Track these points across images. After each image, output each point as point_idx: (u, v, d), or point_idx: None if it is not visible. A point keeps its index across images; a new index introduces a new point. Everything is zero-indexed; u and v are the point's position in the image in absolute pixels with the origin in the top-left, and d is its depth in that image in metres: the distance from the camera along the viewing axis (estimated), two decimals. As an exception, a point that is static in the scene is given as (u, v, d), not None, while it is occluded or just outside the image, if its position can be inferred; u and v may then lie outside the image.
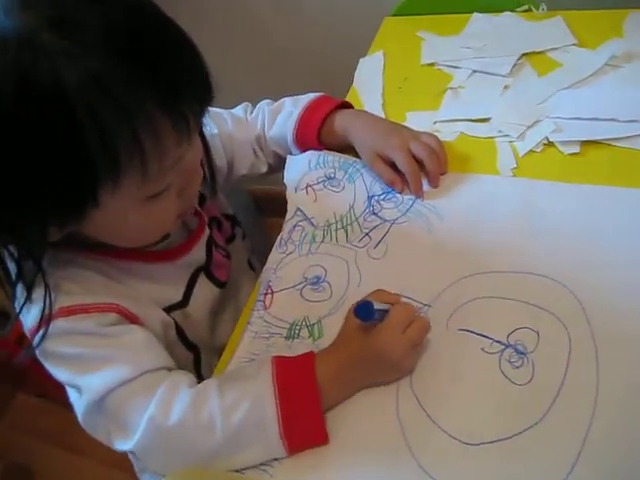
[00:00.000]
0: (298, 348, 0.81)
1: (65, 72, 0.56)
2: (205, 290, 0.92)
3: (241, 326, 0.87)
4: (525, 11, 1.20)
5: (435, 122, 1.04)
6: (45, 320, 0.72)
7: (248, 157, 1.07)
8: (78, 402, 0.74)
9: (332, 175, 0.99)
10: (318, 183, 0.99)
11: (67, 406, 0.77)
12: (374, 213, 0.93)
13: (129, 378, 0.72)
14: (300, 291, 0.88)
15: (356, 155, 1.01)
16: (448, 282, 0.82)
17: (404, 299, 0.80)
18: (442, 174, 0.95)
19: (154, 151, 0.63)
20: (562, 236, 0.83)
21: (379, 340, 0.73)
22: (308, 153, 1.02)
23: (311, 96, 1.05)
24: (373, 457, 0.71)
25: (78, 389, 0.74)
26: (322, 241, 0.93)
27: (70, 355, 0.74)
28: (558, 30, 1.13)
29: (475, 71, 1.11)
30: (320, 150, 1.02)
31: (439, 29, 1.23)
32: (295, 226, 0.96)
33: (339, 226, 0.93)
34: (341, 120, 1.00)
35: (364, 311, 0.72)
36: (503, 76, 1.08)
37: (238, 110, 1.10)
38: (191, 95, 0.65)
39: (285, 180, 1.01)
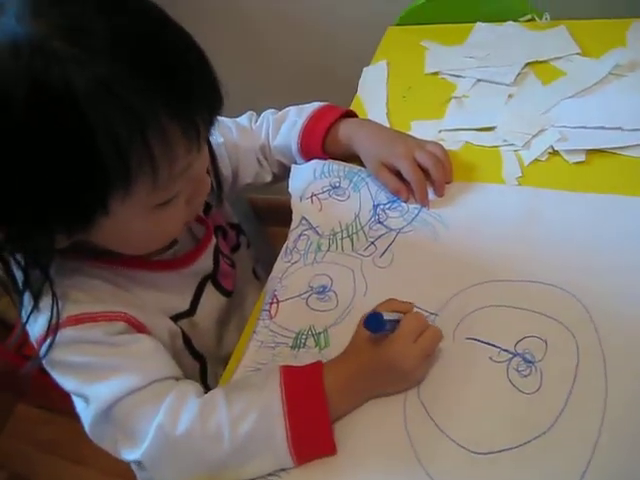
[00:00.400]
0: (304, 357, 0.80)
1: (76, 78, 0.56)
2: (212, 299, 0.92)
3: (247, 335, 0.87)
4: (528, 21, 1.20)
5: (440, 131, 1.05)
6: (52, 329, 0.72)
7: (253, 166, 1.07)
8: (85, 412, 0.74)
9: (337, 184, 0.99)
10: (323, 192, 0.99)
11: (70, 416, 0.76)
12: (380, 222, 0.93)
13: (137, 387, 0.72)
14: (306, 300, 0.88)
15: (361, 164, 1.00)
16: (455, 291, 0.82)
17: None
18: (447, 183, 0.95)
19: (164, 158, 0.63)
20: (568, 244, 0.83)
21: (390, 350, 0.73)
22: (313, 162, 1.02)
23: (315, 105, 1.05)
24: (381, 467, 0.70)
25: (85, 398, 0.73)
26: (328, 250, 0.92)
27: (78, 364, 0.74)
28: (562, 39, 1.13)
29: (479, 80, 1.12)
30: (325, 159, 1.02)
31: (443, 38, 1.23)
32: (300, 235, 0.96)
33: (345, 235, 0.93)
34: (345, 129, 1.00)
35: (374, 322, 0.72)
36: (507, 85, 1.08)
37: (243, 119, 1.10)
38: (201, 102, 0.65)
39: (290, 189, 1.01)
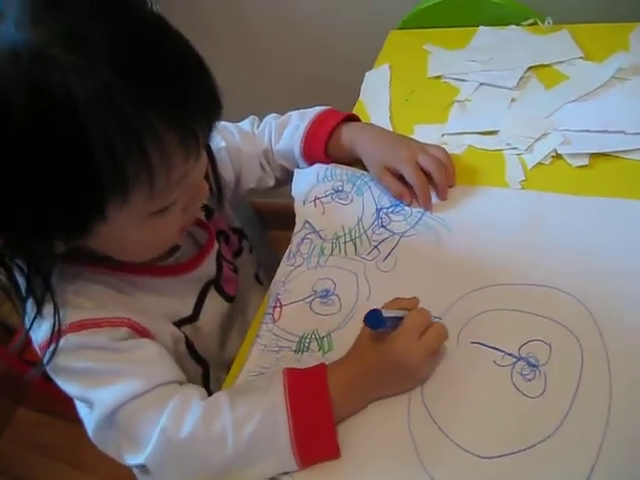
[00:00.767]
0: (308, 361, 0.80)
1: (75, 86, 0.56)
2: (215, 304, 0.92)
3: (250, 339, 0.87)
4: (531, 25, 1.20)
5: (443, 135, 1.05)
6: (55, 336, 0.72)
7: (255, 171, 1.07)
8: (89, 417, 0.74)
9: (340, 188, 0.99)
10: (326, 196, 0.99)
11: (71, 421, 0.77)
12: (383, 226, 0.93)
13: (141, 392, 0.72)
14: (309, 304, 0.88)
15: (364, 168, 1.00)
16: (458, 295, 0.82)
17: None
18: (450, 186, 0.95)
19: (161, 167, 0.62)
20: (572, 248, 0.83)
21: (394, 347, 0.73)
22: (316, 166, 1.02)
23: (317, 109, 1.05)
24: (385, 470, 0.70)
25: (89, 403, 0.73)
26: (331, 254, 0.92)
27: (81, 370, 0.74)
28: (564, 43, 1.13)
29: (482, 84, 1.12)
30: (328, 163, 1.02)
31: (445, 42, 1.23)
32: (304, 239, 0.96)
33: (348, 239, 0.93)
34: (348, 133, 1.00)
35: (374, 319, 0.72)
36: (510, 89, 1.08)
37: (245, 124, 1.10)
38: (199, 110, 0.65)
39: (293, 193, 1.01)
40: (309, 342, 0.83)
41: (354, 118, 1.05)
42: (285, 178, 1.08)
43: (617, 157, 0.92)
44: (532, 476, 0.66)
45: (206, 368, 0.92)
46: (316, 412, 0.72)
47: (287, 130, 1.05)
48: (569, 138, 0.96)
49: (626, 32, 1.11)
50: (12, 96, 0.56)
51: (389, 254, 0.90)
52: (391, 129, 1.08)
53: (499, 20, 1.22)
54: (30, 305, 0.73)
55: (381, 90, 1.18)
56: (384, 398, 0.75)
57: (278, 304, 0.89)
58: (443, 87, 1.15)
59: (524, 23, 1.21)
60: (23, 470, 1.94)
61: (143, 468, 0.73)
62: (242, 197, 1.10)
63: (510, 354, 0.75)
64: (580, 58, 1.10)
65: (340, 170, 1.01)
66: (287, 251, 0.95)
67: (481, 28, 1.23)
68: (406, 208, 0.94)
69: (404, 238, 0.91)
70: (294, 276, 0.92)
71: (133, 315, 0.77)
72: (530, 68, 1.11)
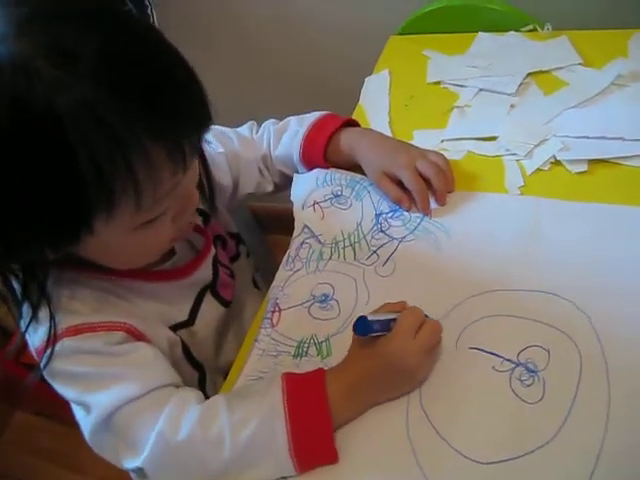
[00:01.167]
0: (306, 366, 0.80)
1: (59, 100, 0.55)
2: (211, 309, 0.92)
3: (248, 344, 0.87)
4: (530, 31, 1.20)
5: (442, 140, 1.05)
6: (51, 341, 0.72)
7: (254, 176, 1.07)
8: (85, 420, 0.74)
9: (339, 192, 0.99)
10: (325, 200, 0.99)
11: (68, 424, 0.76)
12: (382, 231, 0.93)
13: (137, 395, 0.72)
14: (308, 309, 0.87)
15: (363, 173, 1.00)
16: (457, 300, 0.82)
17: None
18: (449, 192, 0.95)
19: (148, 182, 0.62)
20: (570, 254, 0.83)
21: (389, 348, 0.73)
22: (315, 171, 1.02)
23: (316, 115, 1.05)
24: (383, 476, 0.70)
25: (86, 407, 0.73)
26: (330, 258, 0.92)
27: (78, 374, 0.74)
28: (563, 49, 1.14)
29: (481, 90, 1.12)
30: (327, 168, 1.02)
31: (444, 48, 1.23)
32: (302, 243, 0.96)
33: (347, 244, 0.93)
34: (347, 139, 1.00)
35: (361, 326, 0.72)
36: (509, 95, 1.08)
37: (244, 129, 1.10)
38: (187, 123, 0.65)
39: (292, 197, 1.01)
40: (308, 347, 0.83)
41: (353, 123, 1.05)
42: (284, 183, 1.08)
43: (616, 163, 0.93)
44: (531, 482, 0.66)
45: (202, 373, 0.92)
46: (314, 417, 0.71)
47: (286, 135, 1.05)
48: (568, 144, 0.96)
49: (625, 39, 1.11)
50: None
51: (388, 259, 0.90)
52: (390, 134, 1.08)
53: (498, 26, 1.22)
54: (26, 309, 0.74)
55: (380, 95, 1.18)
56: (383, 403, 0.75)
57: (277, 309, 0.89)
58: (442, 93, 1.15)
59: (523, 29, 1.21)
60: (21, 473, 1.94)
61: (140, 472, 0.73)
62: (240, 202, 1.10)
63: (509, 360, 0.75)
64: (579, 64, 1.10)
65: (339, 175, 1.01)
66: (286, 256, 0.95)
67: (480, 34, 1.23)
68: (405, 213, 0.95)
69: (403, 243, 0.91)
70: (293, 281, 0.91)
71: (130, 319, 0.77)
72: (529, 74, 1.11)
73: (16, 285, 0.73)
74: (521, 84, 1.10)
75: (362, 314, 0.73)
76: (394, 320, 0.75)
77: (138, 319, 0.79)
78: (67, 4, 0.61)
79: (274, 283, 0.92)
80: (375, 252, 0.91)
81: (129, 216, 0.65)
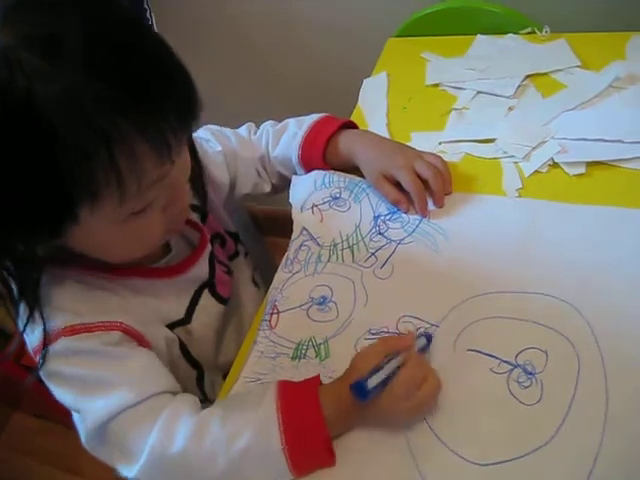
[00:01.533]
0: (305, 368, 0.81)
1: (40, 90, 0.55)
2: (208, 307, 0.92)
3: (247, 346, 0.86)
4: (528, 33, 1.21)
5: (440, 142, 1.05)
6: (45, 340, 0.72)
7: (251, 176, 1.07)
8: (81, 426, 0.74)
9: (338, 195, 0.99)
10: (324, 203, 0.99)
11: (67, 426, 0.76)
12: (380, 233, 0.93)
13: (132, 403, 0.72)
14: (306, 311, 0.88)
15: (361, 175, 1.00)
16: (455, 302, 0.82)
17: (411, 319, 0.80)
18: (447, 194, 0.95)
19: (131, 173, 0.61)
20: (568, 256, 0.83)
21: (383, 404, 0.70)
22: (314, 173, 1.02)
23: (315, 117, 1.05)
24: (381, 478, 0.70)
25: (81, 413, 0.73)
26: (328, 260, 0.92)
27: (73, 376, 0.74)
28: (562, 52, 1.14)
29: (479, 92, 1.12)
30: (326, 170, 1.02)
31: (443, 50, 1.24)
32: (301, 246, 0.96)
33: (345, 246, 0.93)
34: (345, 141, 1.01)
35: (360, 391, 0.69)
36: (507, 97, 1.09)
37: (242, 130, 1.10)
38: (172, 114, 0.63)
39: (291, 199, 1.01)
40: (306, 349, 0.83)
41: (351, 125, 1.05)
42: (282, 184, 1.08)
43: (614, 166, 0.93)
44: (529, 484, 0.66)
45: (200, 371, 0.92)
46: (308, 421, 0.71)
47: (284, 137, 1.05)
48: (566, 147, 0.96)
49: (623, 41, 1.11)
50: None
51: (386, 261, 0.90)
52: (388, 136, 1.08)
53: (497, 29, 1.23)
54: (23, 308, 0.74)
55: (379, 97, 1.18)
56: None
57: (275, 311, 0.89)
58: (441, 95, 1.15)
59: (522, 32, 1.21)
60: (19, 475, 1.93)
61: None
62: (237, 202, 1.10)
63: (507, 362, 0.75)
64: (577, 67, 1.10)
65: (338, 177, 1.01)
66: (284, 258, 0.95)
67: (479, 37, 1.24)
68: (403, 215, 0.95)
69: (401, 245, 0.91)
70: (291, 283, 0.92)
71: (126, 319, 0.77)
72: (528, 76, 1.12)
73: (13, 285, 0.73)
74: (519, 86, 1.10)
75: (359, 378, 0.70)
76: (396, 370, 0.71)
77: (135, 318, 0.79)
78: None
79: (272, 285, 0.92)
80: (373, 254, 0.91)
81: (114, 206, 0.64)
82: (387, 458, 0.71)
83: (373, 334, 0.82)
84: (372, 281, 0.88)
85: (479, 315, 0.80)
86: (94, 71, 0.57)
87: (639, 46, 1.10)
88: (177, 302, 0.89)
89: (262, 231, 1.93)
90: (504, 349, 0.76)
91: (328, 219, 0.98)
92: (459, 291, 0.83)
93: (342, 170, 1.03)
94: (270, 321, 0.88)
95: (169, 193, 0.72)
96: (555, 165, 0.96)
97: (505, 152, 0.99)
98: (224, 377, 0.86)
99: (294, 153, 1.03)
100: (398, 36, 1.32)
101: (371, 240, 0.93)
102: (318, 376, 0.75)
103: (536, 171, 0.96)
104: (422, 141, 1.05)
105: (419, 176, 0.93)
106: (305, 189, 1.01)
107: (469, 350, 0.77)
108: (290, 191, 1.03)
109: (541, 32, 1.19)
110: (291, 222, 0.99)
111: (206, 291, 0.92)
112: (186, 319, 0.89)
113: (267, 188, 1.09)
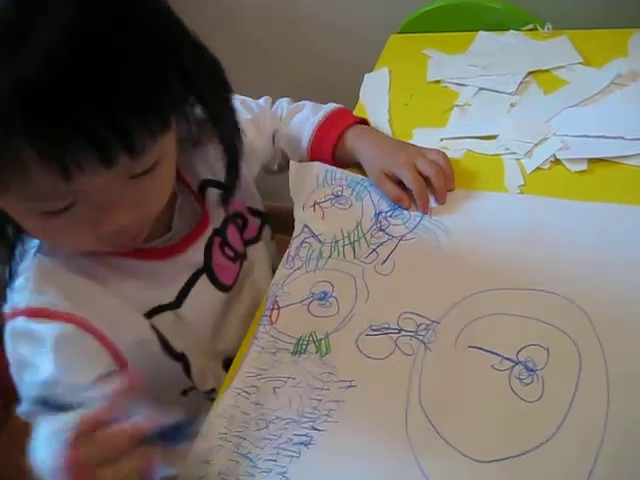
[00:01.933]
0: (305, 364, 0.81)
1: None
2: (205, 293, 0.89)
3: (247, 341, 0.86)
4: (530, 30, 1.20)
5: (442, 139, 1.05)
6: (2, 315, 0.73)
7: (268, 148, 1.07)
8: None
9: (340, 193, 0.99)
10: (326, 201, 0.99)
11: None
12: (381, 229, 0.93)
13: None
14: (307, 306, 0.87)
15: (364, 173, 1.01)
16: (457, 299, 0.82)
17: (412, 315, 0.80)
18: (450, 191, 0.95)
19: (16, 178, 0.59)
20: (570, 253, 0.83)
21: None
22: (315, 165, 1.02)
23: (331, 106, 1.06)
24: (382, 474, 0.70)
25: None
26: (329, 257, 0.92)
27: (17, 356, 0.74)
28: (564, 49, 1.14)
29: (481, 89, 1.12)
30: (328, 165, 1.03)
31: (445, 47, 1.23)
32: (302, 243, 0.95)
33: (346, 242, 0.93)
34: (350, 138, 1.01)
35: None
36: (509, 94, 1.08)
37: (261, 101, 1.10)
38: (75, 133, 0.56)
39: (292, 194, 1.01)
40: (307, 344, 0.83)
41: (364, 122, 1.06)
42: (283, 165, 1.08)
43: (616, 163, 0.93)
44: (530, 480, 0.66)
45: (186, 363, 0.88)
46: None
47: (297, 117, 1.06)
48: (568, 143, 0.96)
49: (625, 38, 1.11)
50: None
51: (388, 257, 0.90)
52: (390, 133, 1.08)
53: (499, 25, 1.23)
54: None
55: (380, 94, 1.18)
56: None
57: (276, 306, 0.89)
58: (442, 91, 1.15)
59: (524, 28, 1.21)
60: (18, 475, 1.93)
61: None
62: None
63: (508, 358, 0.75)
64: (579, 64, 1.10)
65: (340, 174, 1.01)
66: (285, 254, 0.95)
67: (481, 33, 1.23)
68: (405, 212, 0.94)
69: (403, 242, 0.91)
70: (292, 279, 0.91)
71: (91, 313, 0.75)
72: (529, 73, 1.11)
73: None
74: (521, 83, 1.10)
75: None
76: None
77: (105, 309, 0.77)
78: None
79: (273, 281, 0.92)
80: (375, 250, 0.91)
81: (15, 200, 0.63)
82: (388, 454, 0.71)
83: (374, 330, 0.82)
84: (373, 277, 0.88)
85: (481, 312, 0.80)
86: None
87: (641, 43, 1.10)
88: (168, 285, 0.86)
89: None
90: (506, 346, 0.76)
91: (330, 216, 0.97)
92: (460, 288, 0.83)
93: (347, 166, 1.03)
94: (271, 316, 0.88)
95: (92, 211, 0.66)
96: (557, 162, 0.95)
97: (507, 149, 0.99)
98: (224, 364, 0.84)
99: (305, 139, 1.03)
100: (400, 33, 1.32)
101: (372, 236, 0.93)
102: None
103: (538, 168, 0.95)
104: (424, 137, 1.05)
105: (421, 173, 0.93)
106: (307, 184, 1.01)
107: (470, 347, 0.77)
108: (290, 186, 1.02)
109: (543, 29, 1.19)
110: (292, 219, 0.99)
111: (204, 276, 0.89)
112: (176, 303, 0.86)
113: (275, 166, 1.09)
